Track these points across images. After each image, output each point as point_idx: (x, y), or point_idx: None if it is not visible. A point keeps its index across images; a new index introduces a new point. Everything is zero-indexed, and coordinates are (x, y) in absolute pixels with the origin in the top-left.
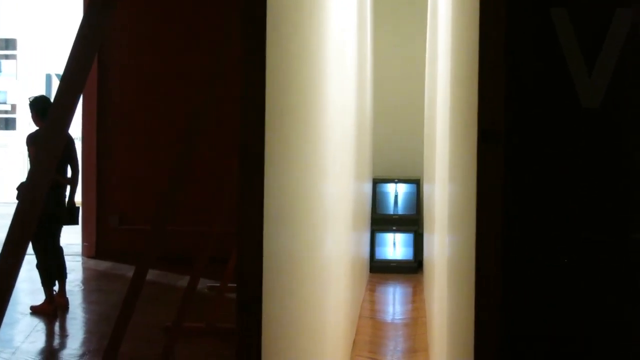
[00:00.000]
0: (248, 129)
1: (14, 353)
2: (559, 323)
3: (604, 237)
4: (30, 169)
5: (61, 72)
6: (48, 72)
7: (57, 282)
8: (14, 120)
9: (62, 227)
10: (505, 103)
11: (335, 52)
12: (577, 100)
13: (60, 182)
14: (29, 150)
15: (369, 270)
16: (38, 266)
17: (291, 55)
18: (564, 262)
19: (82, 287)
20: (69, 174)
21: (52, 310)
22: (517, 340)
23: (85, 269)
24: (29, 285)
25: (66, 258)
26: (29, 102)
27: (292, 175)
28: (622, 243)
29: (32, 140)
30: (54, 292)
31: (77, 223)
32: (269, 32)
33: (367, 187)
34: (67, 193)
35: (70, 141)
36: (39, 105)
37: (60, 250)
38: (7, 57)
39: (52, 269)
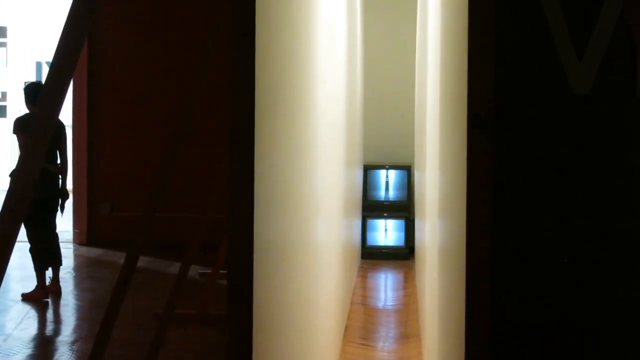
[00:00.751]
0: (238, 116)
1: (5, 340)
2: (550, 310)
3: (595, 224)
4: (20, 155)
5: (51, 59)
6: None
7: (50, 269)
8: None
9: (55, 214)
10: (495, 89)
11: (325, 38)
12: (568, 86)
13: (50, 169)
14: (17, 135)
15: (360, 256)
16: (31, 252)
17: (281, 41)
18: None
19: (74, 274)
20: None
21: (43, 297)
22: (508, 326)
23: (76, 256)
24: (20, 272)
25: None
26: (23, 88)
27: (283, 161)
28: (613, 230)
29: (19, 124)
30: (47, 280)
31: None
32: (259, 18)
33: (358, 174)
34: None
35: (60, 128)
36: (30, 91)
37: (55, 237)
38: None
39: (44, 255)
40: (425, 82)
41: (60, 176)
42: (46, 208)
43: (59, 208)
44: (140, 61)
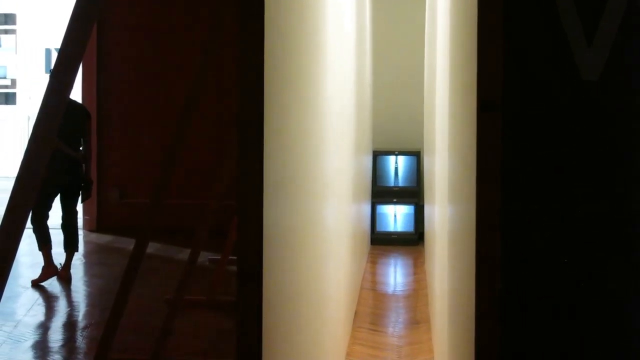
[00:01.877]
0: (247, 101)
1: (15, 326)
2: (560, 293)
3: (604, 208)
4: (30, 137)
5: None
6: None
7: (65, 255)
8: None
9: (77, 201)
10: (504, 73)
11: (333, 23)
12: (577, 71)
13: (73, 156)
14: None
15: (369, 242)
16: (35, 232)
17: (290, 26)
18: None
19: (84, 261)
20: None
21: (52, 273)
22: (518, 311)
23: (86, 243)
24: (30, 259)
25: None
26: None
27: (292, 147)
28: (622, 214)
29: None
30: (58, 266)
31: (86, 198)
32: (267, 3)
33: (368, 160)
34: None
35: (86, 116)
36: None
37: (75, 223)
38: (6, 32)
39: (46, 233)
40: (435, 68)
41: (84, 164)
42: (68, 194)
43: (80, 195)
44: (150, 48)
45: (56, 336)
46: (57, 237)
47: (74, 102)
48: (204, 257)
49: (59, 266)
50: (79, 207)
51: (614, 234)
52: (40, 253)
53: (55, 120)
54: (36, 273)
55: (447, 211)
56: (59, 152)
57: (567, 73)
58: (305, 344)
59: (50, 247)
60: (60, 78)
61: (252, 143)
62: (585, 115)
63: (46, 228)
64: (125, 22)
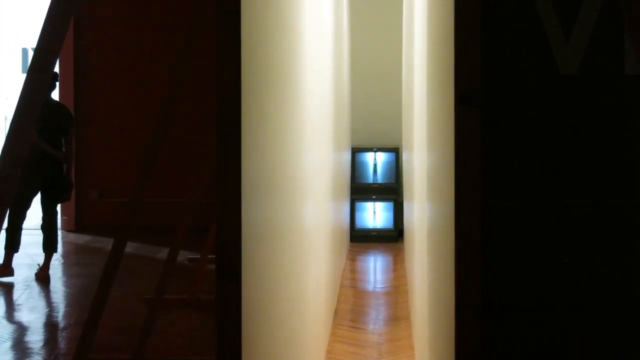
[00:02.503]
0: (224, 98)
1: None
2: (539, 289)
3: (583, 203)
4: (7, 136)
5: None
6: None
7: (43, 254)
8: None
9: (57, 201)
10: (482, 68)
11: (311, 19)
12: (555, 66)
13: (55, 155)
14: None
15: (349, 239)
16: (6, 229)
17: (267, 22)
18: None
19: (62, 261)
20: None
21: (6, 274)
22: (497, 306)
23: (65, 243)
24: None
25: None
26: None
27: (270, 143)
28: (601, 209)
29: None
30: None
31: (65, 200)
32: None
33: (346, 156)
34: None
35: (68, 117)
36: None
37: (55, 224)
38: None
39: (17, 237)
40: (413, 63)
41: (65, 165)
42: (48, 194)
43: (60, 196)
44: (127, 46)
45: (36, 337)
46: (36, 237)
47: (56, 102)
48: (184, 255)
49: (37, 267)
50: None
51: (594, 229)
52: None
53: (33, 119)
54: (18, 273)
55: (426, 207)
56: (38, 152)
57: (545, 68)
58: (285, 341)
59: (14, 252)
60: (36, 76)
61: (229, 140)
62: (563, 110)
63: (20, 231)
64: (104, 22)
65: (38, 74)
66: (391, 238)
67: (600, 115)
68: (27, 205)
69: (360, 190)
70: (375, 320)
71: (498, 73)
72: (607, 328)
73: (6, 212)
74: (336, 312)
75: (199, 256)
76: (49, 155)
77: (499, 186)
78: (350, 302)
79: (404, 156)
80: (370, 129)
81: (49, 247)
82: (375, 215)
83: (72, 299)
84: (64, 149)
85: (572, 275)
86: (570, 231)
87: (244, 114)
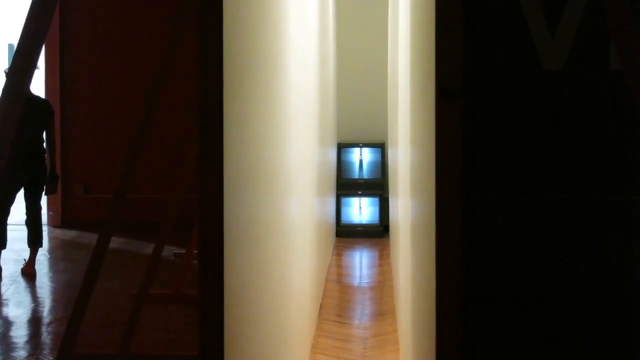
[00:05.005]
0: (207, 92)
1: None
2: (519, 282)
3: (564, 197)
4: None
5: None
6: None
7: (29, 250)
8: None
9: (41, 195)
10: (463, 60)
11: (296, 13)
12: (539, 61)
13: (39, 151)
14: None
15: (335, 234)
16: None
17: (250, 16)
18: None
19: (48, 257)
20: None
21: None
22: (478, 301)
23: (51, 238)
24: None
25: None
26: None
27: (253, 139)
28: (582, 203)
29: None
30: (23, 262)
31: (50, 192)
32: None
33: (332, 152)
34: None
35: (50, 111)
36: None
37: (39, 219)
38: None
39: (3, 233)
40: (397, 58)
41: (49, 159)
42: (32, 189)
43: (45, 189)
44: (113, 41)
45: (21, 332)
46: (21, 233)
47: (38, 98)
48: (169, 251)
49: (23, 262)
50: (44, 202)
51: (576, 223)
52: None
53: (15, 114)
54: (6, 269)
55: (409, 202)
56: (22, 147)
57: (528, 62)
58: (270, 336)
59: (1, 249)
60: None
61: (212, 135)
62: (546, 105)
63: (5, 227)
64: (89, 17)
65: (21, 68)
66: (377, 233)
67: (584, 111)
68: (12, 201)
69: (346, 185)
70: (361, 315)
71: (480, 67)
72: (587, 318)
73: None
74: (322, 307)
75: (184, 251)
76: (33, 152)
77: (480, 181)
78: (336, 297)
79: (390, 152)
80: (356, 124)
81: (34, 242)
82: (361, 210)
83: (58, 294)
84: (44, 144)
85: (551, 269)
86: (552, 225)
87: (227, 107)
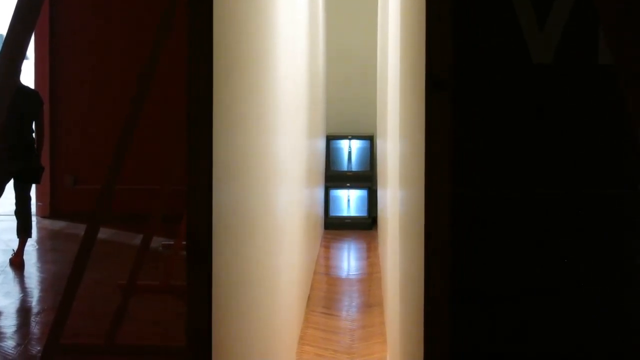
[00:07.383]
0: (195, 83)
1: None
2: (507, 277)
3: (553, 192)
4: None
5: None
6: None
7: (18, 240)
8: None
9: (31, 186)
10: (453, 51)
11: (285, 5)
12: (528, 54)
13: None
14: None
15: (323, 226)
16: None
17: (240, 5)
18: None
19: (37, 247)
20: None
21: None
22: (466, 293)
23: (39, 229)
24: None
25: None
26: None
27: (242, 131)
28: (571, 198)
29: None
30: (14, 250)
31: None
32: None
33: (321, 144)
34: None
35: (39, 102)
36: None
37: (29, 209)
38: None
39: None
40: (387, 49)
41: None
42: (21, 180)
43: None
44: (104, 32)
45: (9, 321)
46: (9, 223)
47: (27, 88)
48: (157, 242)
49: (12, 252)
50: (33, 193)
51: (565, 219)
52: None
53: (4, 105)
54: None
55: (398, 195)
56: (11, 138)
57: (518, 56)
58: (257, 326)
59: None
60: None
61: (200, 126)
62: (536, 98)
63: None
64: (79, 7)
65: (10, 59)
66: (365, 225)
67: (573, 105)
68: (1, 191)
69: (335, 177)
70: (349, 306)
71: (470, 59)
72: (575, 315)
73: None
74: (309, 299)
75: (173, 242)
76: (21, 143)
77: (469, 174)
78: (324, 289)
79: (378, 144)
80: (345, 116)
81: (23, 232)
82: (349, 202)
83: (47, 285)
84: (34, 135)
85: (544, 264)
86: (541, 220)
87: (216, 98)
